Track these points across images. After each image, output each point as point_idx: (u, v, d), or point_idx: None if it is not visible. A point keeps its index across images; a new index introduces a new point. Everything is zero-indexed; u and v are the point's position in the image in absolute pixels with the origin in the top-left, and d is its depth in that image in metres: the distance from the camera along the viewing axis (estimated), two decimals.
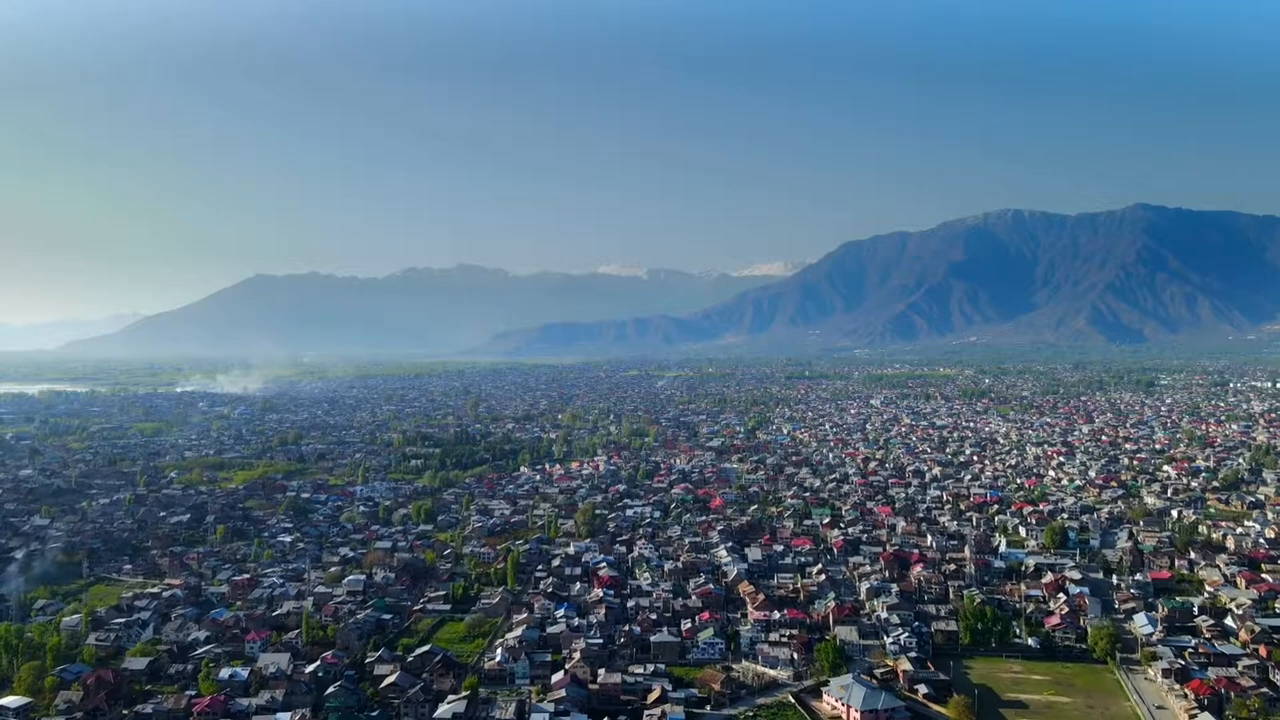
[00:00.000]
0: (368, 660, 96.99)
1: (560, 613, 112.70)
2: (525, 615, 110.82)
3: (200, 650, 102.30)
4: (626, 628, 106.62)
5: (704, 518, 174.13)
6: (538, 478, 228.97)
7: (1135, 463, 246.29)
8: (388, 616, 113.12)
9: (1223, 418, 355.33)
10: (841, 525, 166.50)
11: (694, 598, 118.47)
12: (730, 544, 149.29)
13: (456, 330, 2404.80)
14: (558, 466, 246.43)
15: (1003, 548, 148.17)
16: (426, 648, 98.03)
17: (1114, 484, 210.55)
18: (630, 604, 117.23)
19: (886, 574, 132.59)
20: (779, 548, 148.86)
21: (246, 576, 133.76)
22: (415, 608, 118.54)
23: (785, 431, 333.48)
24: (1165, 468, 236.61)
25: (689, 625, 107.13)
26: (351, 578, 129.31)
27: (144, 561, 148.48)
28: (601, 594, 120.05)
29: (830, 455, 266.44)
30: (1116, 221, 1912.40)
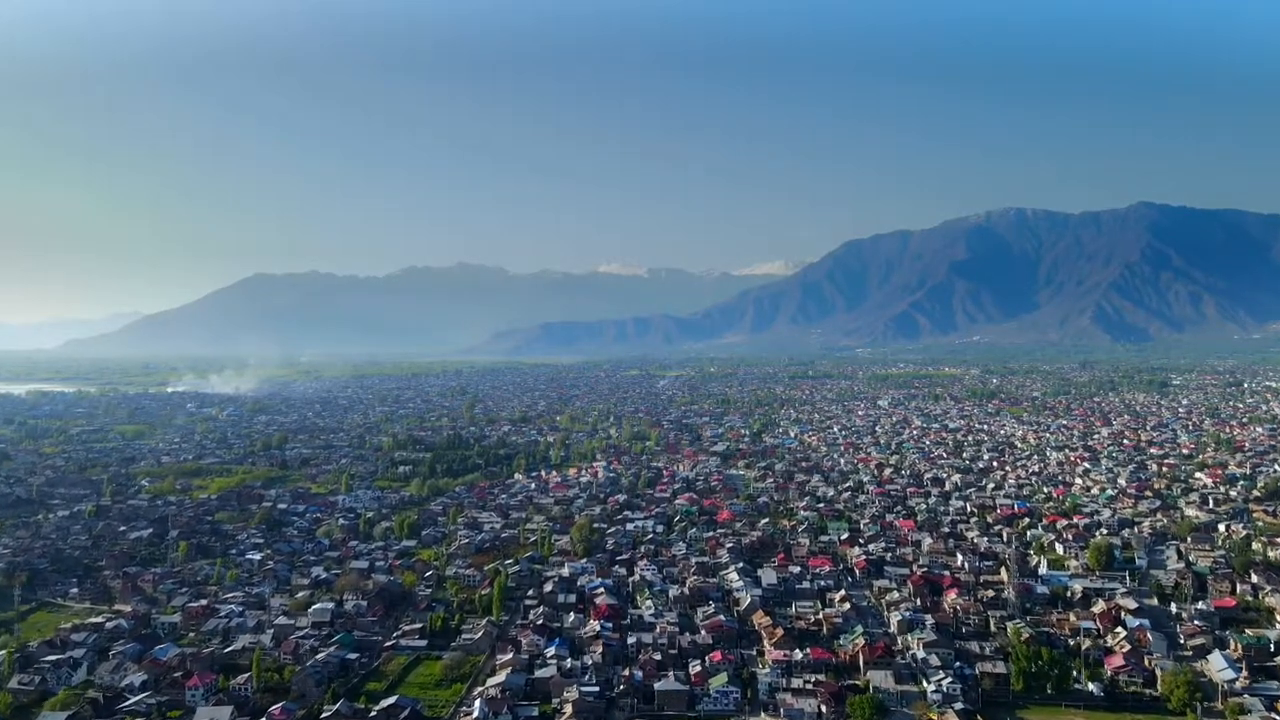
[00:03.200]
0: (324, 714, 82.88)
1: (551, 651, 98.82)
2: (511, 655, 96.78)
3: (132, 699, 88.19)
4: (626, 671, 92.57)
5: (711, 533, 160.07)
6: (533, 486, 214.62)
7: (1165, 469, 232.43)
8: (353, 656, 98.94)
9: (1244, 419, 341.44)
10: (861, 542, 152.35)
11: (703, 632, 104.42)
12: (741, 565, 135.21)
13: (456, 329, 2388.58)
14: (554, 473, 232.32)
15: (1043, 569, 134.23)
16: (393, 699, 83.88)
17: (1148, 493, 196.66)
18: (631, 639, 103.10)
19: (917, 601, 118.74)
20: (795, 569, 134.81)
21: (203, 603, 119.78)
22: (387, 644, 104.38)
23: (792, 435, 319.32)
24: (1198, 474, 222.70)
25: (698, 667, 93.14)
26: (318, 606, 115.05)
27: (94, 584, 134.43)
28: (599, 628, 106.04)
29: (842, 461, 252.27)
30: (1119, 220, 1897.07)
